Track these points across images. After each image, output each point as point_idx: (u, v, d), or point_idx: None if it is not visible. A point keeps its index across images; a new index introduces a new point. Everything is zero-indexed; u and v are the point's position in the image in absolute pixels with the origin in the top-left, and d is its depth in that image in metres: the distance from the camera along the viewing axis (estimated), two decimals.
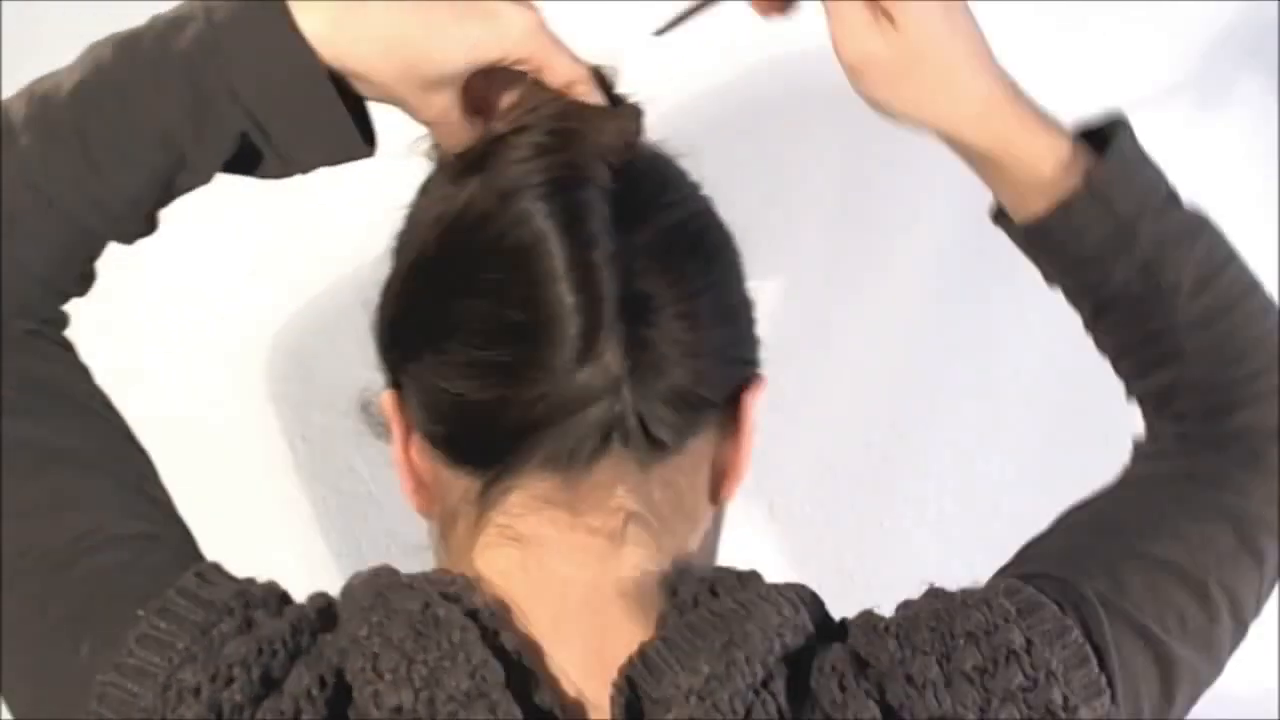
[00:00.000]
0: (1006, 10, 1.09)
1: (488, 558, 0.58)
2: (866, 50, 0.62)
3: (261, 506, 1.11)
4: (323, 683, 0.52)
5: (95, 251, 0.62)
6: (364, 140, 0.60)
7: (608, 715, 0.53)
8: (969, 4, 0.64)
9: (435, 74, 0.57)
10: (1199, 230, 0.67)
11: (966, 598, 0.57)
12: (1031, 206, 0.66)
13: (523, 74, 0.59)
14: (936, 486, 1.13)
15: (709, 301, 0.57)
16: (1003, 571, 0.64)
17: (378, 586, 0.55)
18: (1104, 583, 0.60)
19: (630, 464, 0.56)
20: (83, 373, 0.62)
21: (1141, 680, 0.59)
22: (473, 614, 0.54)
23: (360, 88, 0.58)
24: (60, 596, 0.56)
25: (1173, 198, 0.66)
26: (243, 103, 0.56)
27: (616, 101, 0.61)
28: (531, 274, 0.53)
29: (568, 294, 0.53)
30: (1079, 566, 0.61)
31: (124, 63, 0.58)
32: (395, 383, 0.60)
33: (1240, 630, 0.64)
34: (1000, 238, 1.17)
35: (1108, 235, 0.64)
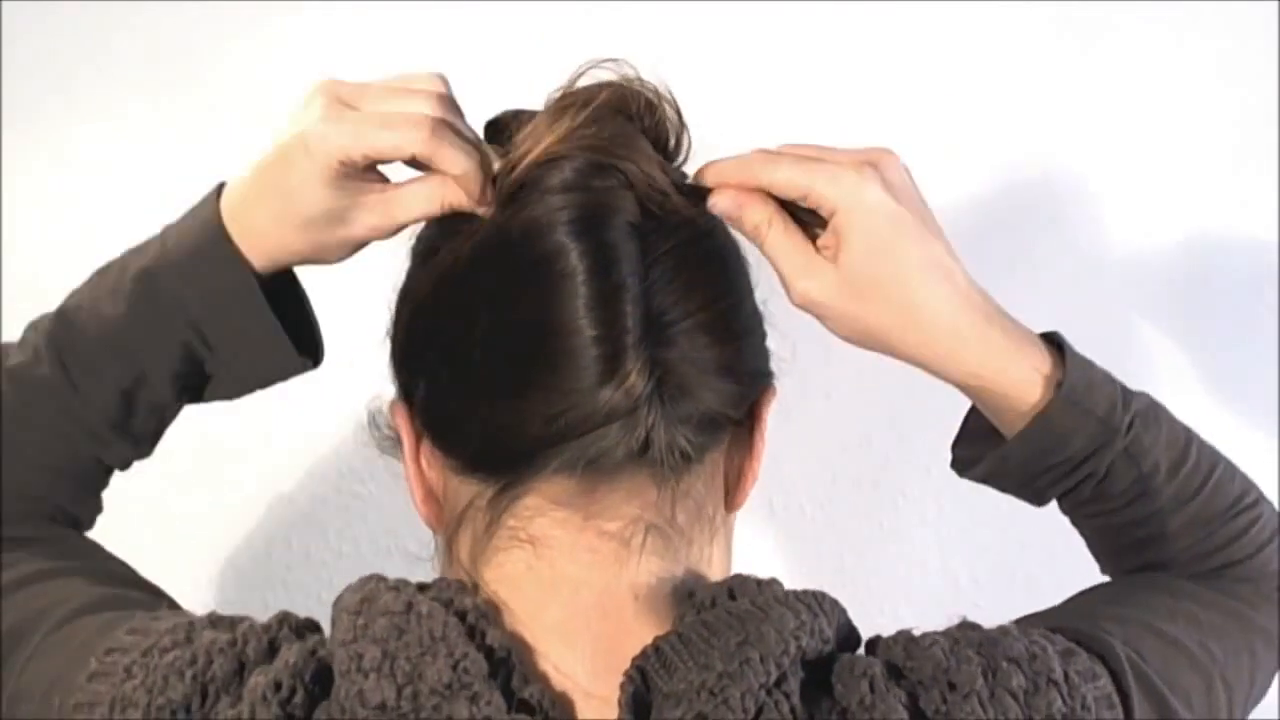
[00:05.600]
0: (1010, 14, 1.10)
1: (496, 561, 0.58)
2: (817, 291, 0.61)
3: (262, 506, 1.11)
4: (278, 686, 0.53)
5: (82, 474, 0.70)
6: (306, 352, 0.66)
7: (615, 711, 0.52)
8: (926, 221, 0.61)
9: (308, 212, 0.60)
10: (1157, 412, 0.68)
11: (1005, 631, 0.58)
12: (1009, 422, 0.66)
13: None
14: (936, 486, 1.13)
15: (726, 314, 0.57)
16: (1021, 623, 0.64)
17: (364, 593, 0.55)
18: (1128, 645, 0.61)
19: (650, 479, 0.56)
20: (41, 561, 0.66)
21: None
22: (460, 614, 0.54)
23: (322, 259, 0.63)
24: (47, 663, 0.60)
25: (1124, 387, 0.67)
26: (187, 315, 0.64)
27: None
28: (557, 306, 0.54)
29: (589, 328, 0.53)
30: (1105, 627, 0.62)
31: (94, 288, 0.67)
32: (408, 392, 0.60)
33: None
34: (1000, 237, 1.17)
35: (1091, 434, 0.64)
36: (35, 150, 1.08)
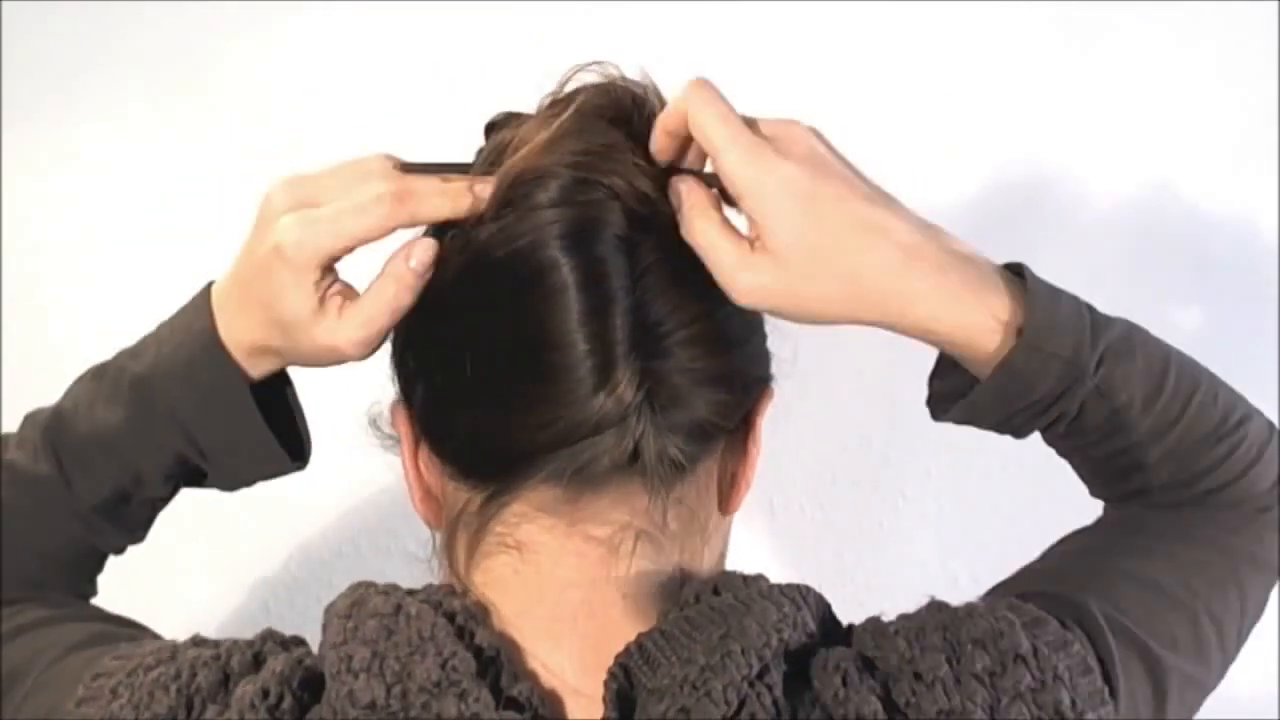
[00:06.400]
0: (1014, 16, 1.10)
1: (484, 566, 0.58)
2: (756, 285, 0.57)
3: (262, 507, 1.11)
4: (265, 693, 0.53)
5: (77, 561, 0.71)
6: (295, 455, 0.67)
7: (601, 709, 0.53)
8: (839, 170, 0.59)
9: (293, 318, 0.59)
10: (1131, 341, 0.65)
11: (971, 610, 0.57)
12: (975, 368, 0.64)
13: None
14: (936, 486, 1.13)
15: (721, 322, 0.57)
16: (994, 592, 0.65)
17: (354, 597, 0.56)
18: (1103, 600, 0.61)
19: (641, 486, 0.56)
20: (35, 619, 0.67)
21: (1138, 695, 0.60)
22: (448, 614, 0.54)
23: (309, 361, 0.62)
24: (40, 699, 0.61)
25: (1095, 317, 0.64)
26: (181, 424, 0.64)
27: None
28: (548, 320, 0.54)
29: (581, 341, 0.53)
30: (1078, 584, 0.62)
31: (90, 392, 0.67)
32: (408, 394, 0.61)
33: (1225, 661, 0.66)
34: (999, 236, 1.17)
35: (1058, 377, 0.62)
36: (35, 150, 1.08)
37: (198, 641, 0.59)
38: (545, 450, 0.54)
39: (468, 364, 0.56)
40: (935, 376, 0.71)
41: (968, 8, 1.09)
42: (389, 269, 0.57)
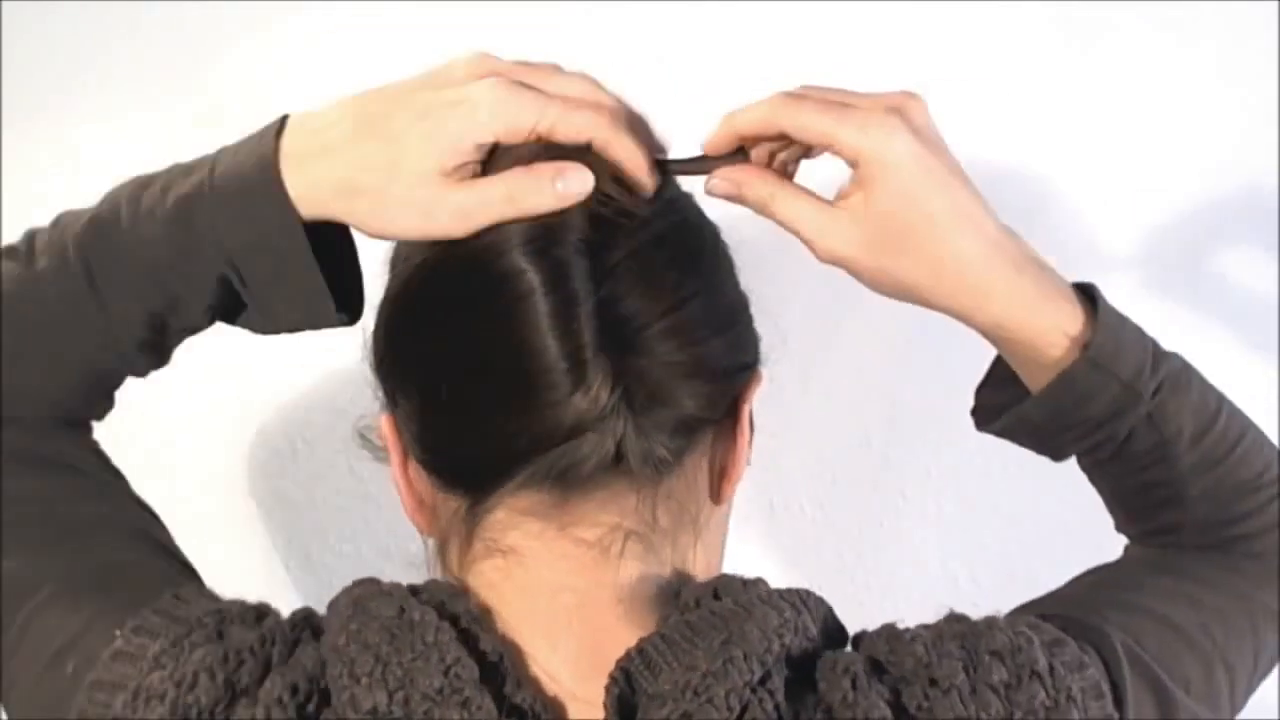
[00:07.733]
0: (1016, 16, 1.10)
1: (475, 571, 0.58)
2: (837, 246, 0.59)
3: (264, 508, 1.11)
4: (294, 689, 0.53)
5: (99, 379, 0.67)
6: (345, 308, 0.62)
7: (601, 713, 0.53)
8: (951, 159, 0.60)
9: (414, 184, 0.55)
10: (1189, 376, 0.66)
11: (991, 623, 0.58)
12: (1032, 376, 0.65)
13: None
14: (936, 486, 1.13)
15: (696, 313, 0.57)
16: (1016, 612, 0.65)
17: (356, 596, 0.56)
18: (1124, 632, 0.61)
19: (628, 486, 0.56)
20: (72, 485, 0.65)
21: None
22: (453, 618, 0.54)
23: (366, 230, 0.59)
24: (60, 624, 0.59)
25: (1157, 349, 0.65)
26: (226, 252, 0.60)
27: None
28: (515, 327, 0.53)
29: (552, 344, 0.53)
30: (1100, 613, 0.62)
31: (133, 202, 0.62)
32: (390, 408, 0.61)
33: (1234, 710, 0.66)
34: None
35: (1114, 397, 0.63)
36: (35, 150, 1.08)
37: (243, 614, 0.58)
38: (523, 456, 0.54)
39: (440, 376, 0.56)
40: (985, 386, 0.71)
41: (968, 8, 1.09)
42: (532, 168, 0.55)
